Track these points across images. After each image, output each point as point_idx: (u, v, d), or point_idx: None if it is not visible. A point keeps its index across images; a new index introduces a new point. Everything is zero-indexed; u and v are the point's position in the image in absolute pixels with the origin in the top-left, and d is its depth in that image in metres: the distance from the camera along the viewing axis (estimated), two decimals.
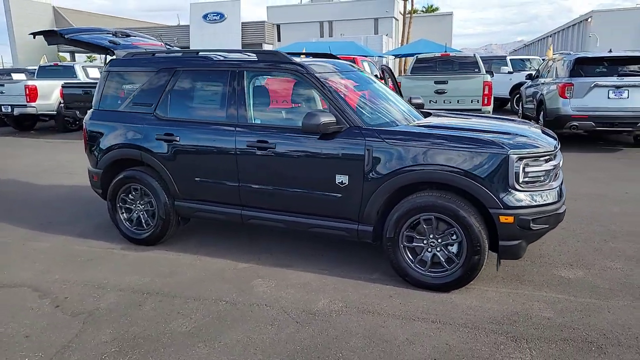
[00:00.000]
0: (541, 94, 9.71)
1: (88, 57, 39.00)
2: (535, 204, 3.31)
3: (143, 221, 4.58)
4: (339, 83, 3.99)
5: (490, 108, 9.77)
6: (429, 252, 3.53)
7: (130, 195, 4.60)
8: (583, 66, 8.76)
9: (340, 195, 3.70)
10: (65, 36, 4.79)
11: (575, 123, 8.50)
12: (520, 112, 12.41)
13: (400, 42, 40.41)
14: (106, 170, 4.65)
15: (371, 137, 3.58)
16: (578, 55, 8.94)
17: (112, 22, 39.94)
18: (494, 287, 3.60)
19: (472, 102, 9.69)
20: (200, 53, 4.45)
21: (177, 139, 4.22)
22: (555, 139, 3.75)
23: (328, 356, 2.79)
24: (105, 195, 4.76)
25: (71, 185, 7.23)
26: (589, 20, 36.64)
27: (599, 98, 8.44)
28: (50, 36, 4.98)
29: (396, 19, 42.89)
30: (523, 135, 3.57)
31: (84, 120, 4.85)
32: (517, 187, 3.27)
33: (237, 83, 4.07)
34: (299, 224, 3.94)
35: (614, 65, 8.66)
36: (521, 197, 3.28)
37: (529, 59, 18.06)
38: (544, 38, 53.91)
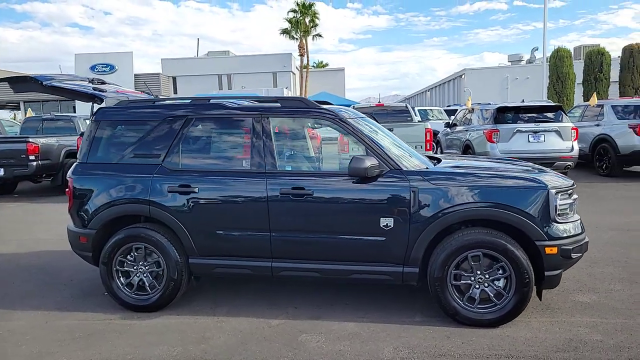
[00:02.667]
0: (467, 140, 10.65)
1: None
2: (571, 234, 3.59)
3: (147, 284, 4.09)
4: (365, 128, 4.05)
5: (431, 153, 10.48)
6: (477, 288, 3.63)
7: (129, 257, 4.12)
8: (504, 114, 9.84)
9: (384, 238, 3.68)
10: (44, 83, 4.28)
11: None
12: None
13: (299, 95, 41.91)
14: (100, 230, 4.13)
15: (415, 178, 3.66)
16: (499, 105, 10.06)
17: None
18: (533, 317, 3.77)
19: (416, 147, 10.30)
20: (211, 100, 4.25)
21: (196, 190, 3.92)
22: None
23: None
24: (96, 259, 4.21)
25: (7, 253, 6.23)
26: (463, 76, 41.40)
27: (521, 142, 9.51)
28: (21, 83, 4.42)
29: (293, 73, 44.58)
30: (545, 172, 3.90)
31: (68, 176, 4.30)
32: (557, 219, 3.55)
33: (262, 130, 3.94)
34: (337, 272, 3.82)
35: (528, 113, 9.86)
36: (561, 229, 3.55)
37: (431, 109, 19.80)
38: (423, 92, 59.63)
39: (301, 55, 43.08)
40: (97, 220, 4.11)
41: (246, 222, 3.88)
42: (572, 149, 9.51)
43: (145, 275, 4.10)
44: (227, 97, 4.47)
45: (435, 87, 51.40)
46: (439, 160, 4.34)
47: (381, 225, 3.67)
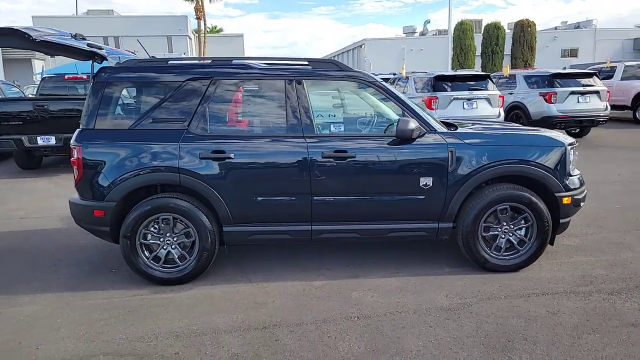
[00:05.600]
0: None
1: None
2: (578, 186, 4.11)
3: (176, 256, 3.90)
4: (395, 91, 4.17)
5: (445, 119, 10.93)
6: (503, 238, 4.02)
7: (152, 229, 3.88)
8: (441, 82, 10.50)
9: (423, 197, 3.90)
10: (33, 37, 3.74)
11: None
12: None
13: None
14: (120, 202, 3.81)
15: (450, 139, 3.89)
16: (437, 73, 10.68)
17: None
18: (541, 261, 4.24)
19: None
20: (234, 61, 4.06)
21: (231, 156, 3.77)
22: None
23: (513, 343, 3.03)
24: (114, 234, 3.90)
25: None
26: (363, 47, 42.59)
27: (457, 108, 10.25)
28: (2, 36, 3.82)
29: (190, 38, 42.38)
30: (548, 131, 4.36)
31: (72, 144, 3.87)
32: (571, 173, 4.03)
33: (297, 93, 3.88)
34: (376, 231, 3.98)
35: (463, 81, 10.62)
36: (573, 181, 4.05)
37: None
38: None
39: (198, 18, 40.82)
40: (117, 191, 3.78)
41: (286, 187, 3.84)
42: (499, 115, 10.49)
43: (173, 247, 3.90)
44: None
45: (335, 56, 52.24)
46: (452, 125, 4.55)
47: (421, 185, 3.87)
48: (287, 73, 3.94)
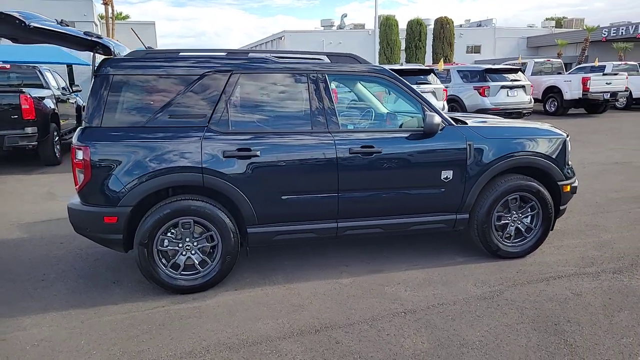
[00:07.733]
0: None
1: None
2: (573, 174, 4.44)
3: (196, 262, 3.65)
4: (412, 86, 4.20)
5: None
6: (512, 226, 4.24)
7: (169, 234, 3.60)
8: None
9: (443, 189, 3.99)
10: (26, 23, 3.26)
11: None
12: None
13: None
14: (136, 206, 3.48)
15: (468, 133, 4.02)
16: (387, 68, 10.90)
17: None
18: (541, 246, 4.52)
19: None
20: (250, 54, 3.84)
21: (257, 153, 3.59)
22: None
23: (560, 325, 3.22)
24: (127, 242, 3.56)
25: None
26: (283, 38, 42.34)
27: None
28: None
29: (96, 25, 39.33)
30: (548, 125, 4.64)
31: (76, 144, 3.44)
32: (569, 163, 4.34)
33: (320, 88, 3.78)
34: (399, 225, 4.01)
35: (409, 75, 10.95)
36: (570, 171, 4.36)
37: None
38: None
39: (105, 4, 38.03)
40: (132, 195, 3.44)
41: (315, 184, 3.74)
42: (444, 107, 10.99)
43: (193, 252, 3.65)
44: None
45: (256, 46, 51.38)
46: (460, 120, 4.64)
47: (442, 178, 3.96)
48: (308, 67, 3.81)
